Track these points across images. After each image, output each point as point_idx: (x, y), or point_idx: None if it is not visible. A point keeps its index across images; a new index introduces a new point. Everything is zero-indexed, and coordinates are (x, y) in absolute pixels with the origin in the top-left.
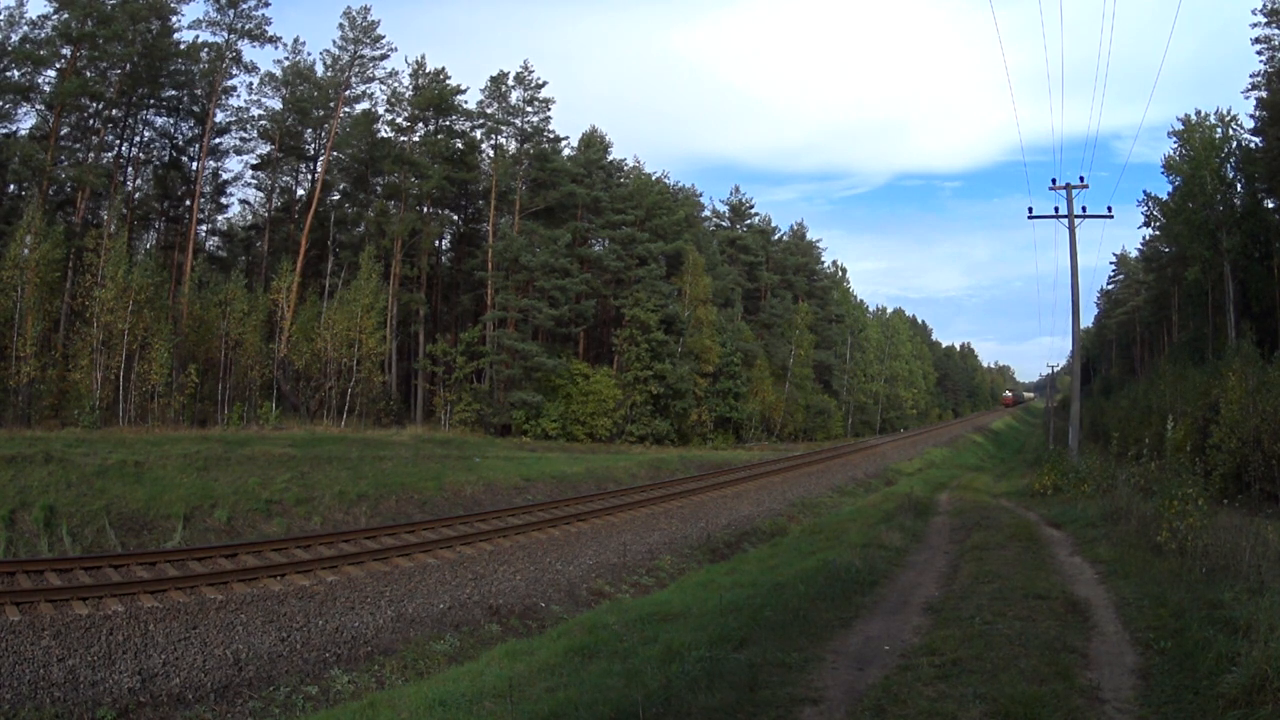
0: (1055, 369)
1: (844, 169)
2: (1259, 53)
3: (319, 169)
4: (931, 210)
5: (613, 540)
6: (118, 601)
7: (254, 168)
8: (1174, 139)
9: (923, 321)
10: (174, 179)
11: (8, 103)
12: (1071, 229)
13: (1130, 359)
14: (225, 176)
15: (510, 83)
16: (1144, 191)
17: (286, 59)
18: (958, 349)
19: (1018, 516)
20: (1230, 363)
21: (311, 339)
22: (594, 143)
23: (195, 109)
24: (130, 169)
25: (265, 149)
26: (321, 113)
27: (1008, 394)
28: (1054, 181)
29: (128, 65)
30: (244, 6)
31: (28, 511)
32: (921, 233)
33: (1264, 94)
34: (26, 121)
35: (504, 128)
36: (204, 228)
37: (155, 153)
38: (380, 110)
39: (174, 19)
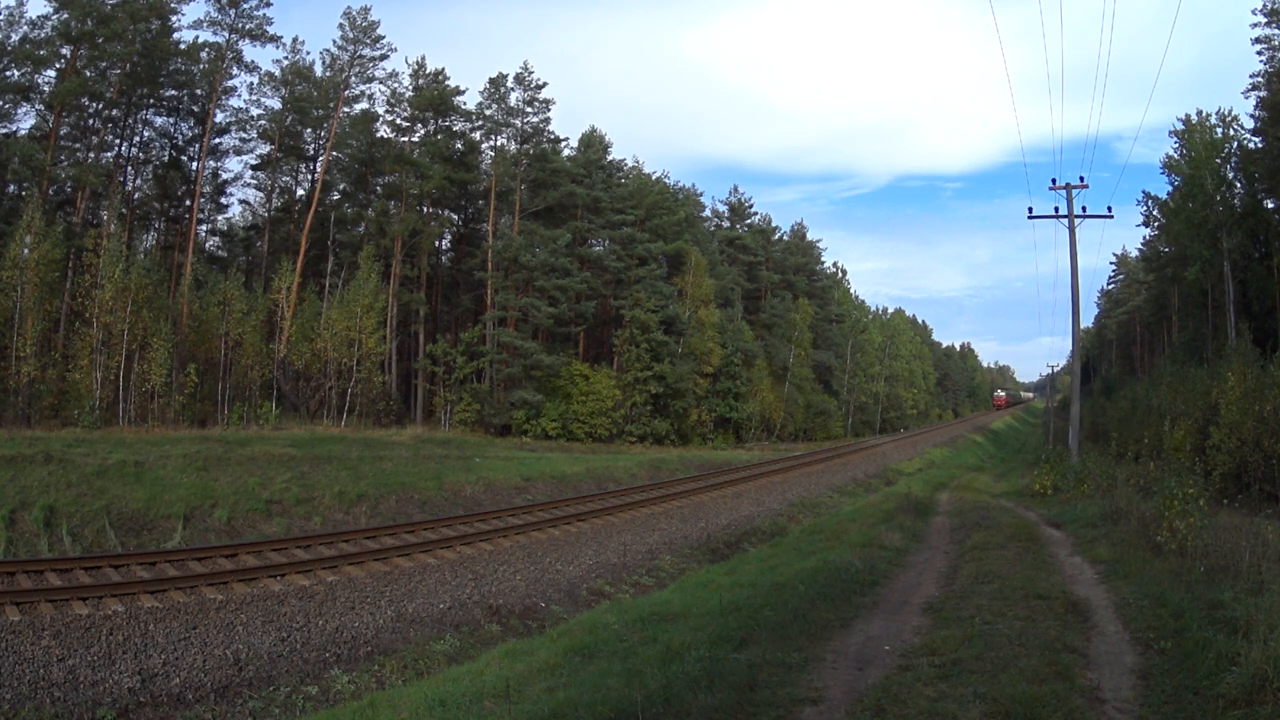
0: (1055, 369)
1: (846, 170)
2: (1259, 53)
3: (319, 169)
4: (933, 211)
5: (613, 540)
6: (118, 601)
7: (254, 168)
8: (1174, 139)
9: (923, 322)
10: (174, 179)
11: (8, 103)
12: (1071, 229)
13: (1130, 359)
14: (225, 176)
15: (510, 84)
16: (1143, 191)
17: (286, 59)
18: (958, 349)
19: (1018, 516)
20: (1230, 363)
21: (311, 339)
22: (594, 143)
23: (195, 109)
24: (130, 169)
25: (265, 149)
26: (321, 112)
27: (1000, 393)
28: (1054, 182)
29: (128, 65)
30: (245, 6)
31: (28, 511)
32: (923, 233)
33: (1264, 94)
34: (26, 121)
35: (503, 129)
36: (204, 228)
37: (155, 153)
38: (380, 110)
39: (174, 19)
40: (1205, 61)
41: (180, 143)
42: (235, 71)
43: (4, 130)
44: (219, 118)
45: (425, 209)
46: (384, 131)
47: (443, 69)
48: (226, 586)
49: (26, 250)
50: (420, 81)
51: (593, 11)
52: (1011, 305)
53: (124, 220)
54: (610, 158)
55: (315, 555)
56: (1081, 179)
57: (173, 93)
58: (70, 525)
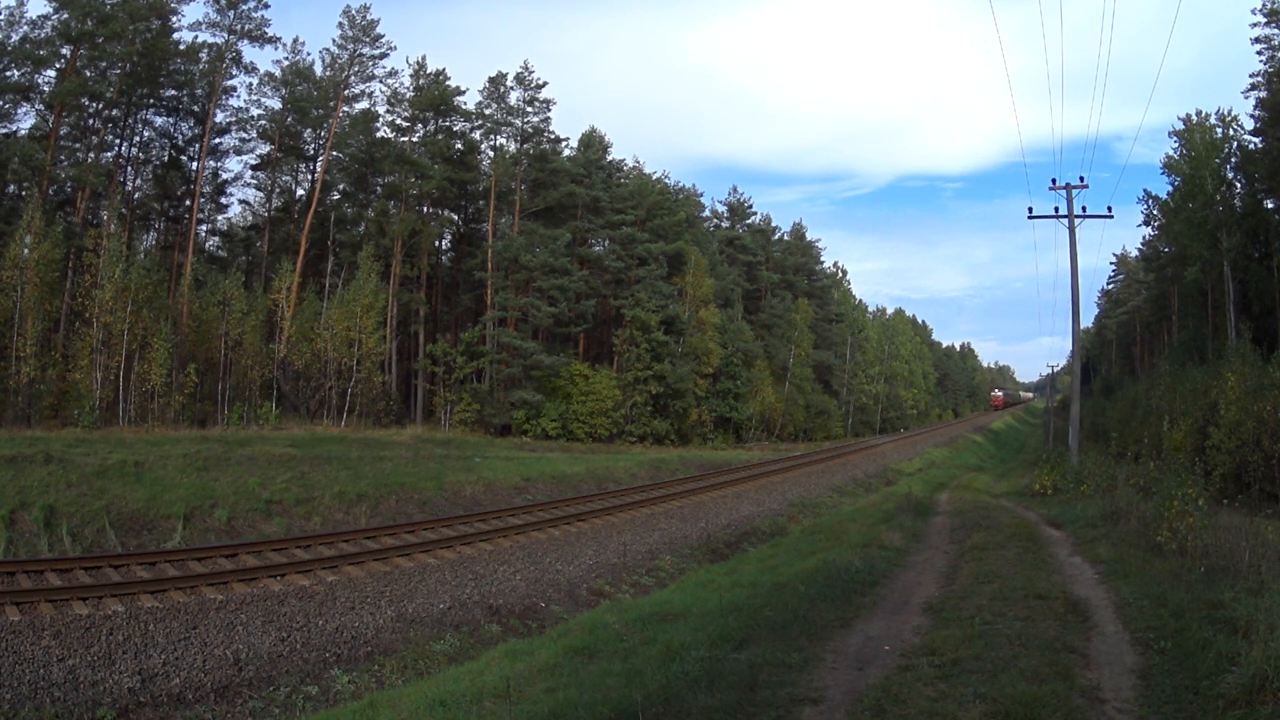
0: (1055, 369)
1: (846, 170)
2: (1259, 53)
3: (319, 169)
4: (933, 211)
5: (613, 540)
6: (118, 601)
7: (254, 168)
8: (1174, 139)
9: (923, 322)
10: (174, 179)
11: (8, 103)
12: (1071, 229)
13: (1130, 359)
14: (225, 176)
15: (510, 83)
16: (1144, 190)
17: (286, 59)
18: (958, 349)
19: (1017, 516)
20: (1230, 363)
21: (311, 339)
22: (594, 143)
23: (195, 109)
24: (130, 169)
25: (265, 149)
26: (321, 112)
27: (997, 393)
28: (1054, 182)
29: (128, 65)
30: (244, 7)
31: (28, 511)
32: (923, 233)
33: (1264, 94)
34: (26, 121)
35: (503, 128)
36: (204, 228)
37: (155, 153)
38: (380, 110)
39: (174, 19)
40: (1205, 61)
41: (180, 143)
42: (235, 72)
43: (4, 130)
44: (219, 118)
45: (425, 209)
46: (384, 131)
47: (443, 69)
48: (226, 586)
49: (26, 250)
50: (421, 81)
51: (593, 11)
52: (1011, 305)
53: (124, 220)
54: (610, 158)
55: (315, 555)
56: (1081, 179)
57: (173, 93)
58: (70, 525)
